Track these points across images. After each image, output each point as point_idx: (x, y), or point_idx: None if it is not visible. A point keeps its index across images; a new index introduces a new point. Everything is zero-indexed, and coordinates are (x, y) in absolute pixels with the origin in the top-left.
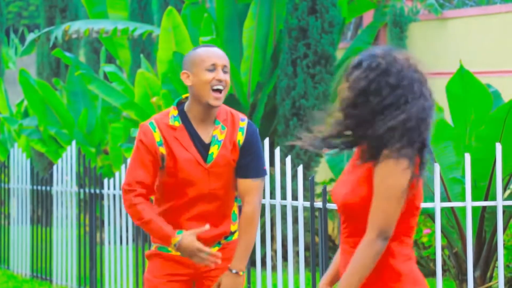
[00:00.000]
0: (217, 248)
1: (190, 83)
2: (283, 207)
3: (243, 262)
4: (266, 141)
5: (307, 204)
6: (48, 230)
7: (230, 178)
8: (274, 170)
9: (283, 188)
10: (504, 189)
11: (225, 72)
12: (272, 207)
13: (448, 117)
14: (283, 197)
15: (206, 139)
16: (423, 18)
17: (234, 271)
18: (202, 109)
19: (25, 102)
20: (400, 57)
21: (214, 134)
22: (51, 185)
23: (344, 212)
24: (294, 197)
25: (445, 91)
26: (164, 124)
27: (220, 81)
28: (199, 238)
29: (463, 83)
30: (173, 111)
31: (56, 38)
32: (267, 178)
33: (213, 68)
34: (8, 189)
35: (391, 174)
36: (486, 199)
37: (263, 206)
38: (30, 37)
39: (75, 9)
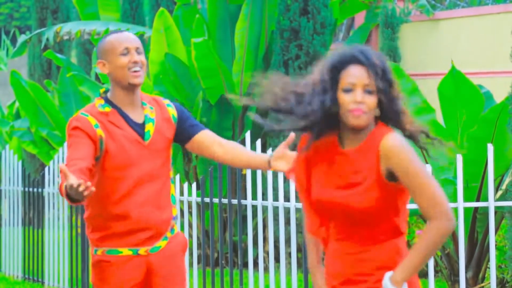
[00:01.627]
0: (165, 242)
1: (107, 71)
2: (275, 209)
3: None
4: (258, 142)
5: (299, 205)
6: (40, 232)
7: (168, 155)
8: (266, 171)
9: (275, 189)
10: (496, 190)
11: (139, 53)
12: (264, 208)
13: (440, 117)
14: (275, 198)
15: (138, 119)
16: (415, 19)
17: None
18: (126, 92)
19: (17, 104)
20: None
21: (146, 113)
22: (42, 187)
23: (350, 217)
24: (286, 199)
25: (437, 92)
26: (96, 112)
27: (136, 62)
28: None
29: (455, 84)
30: (98, 101)
31: (47, 39)
32: (259, 179)
33: (126, 52)
34: (0, 190)
35: (412, 156)
36: (478, 200)
37: (255, 208)
38: (21, 38)
39: (66, 10)
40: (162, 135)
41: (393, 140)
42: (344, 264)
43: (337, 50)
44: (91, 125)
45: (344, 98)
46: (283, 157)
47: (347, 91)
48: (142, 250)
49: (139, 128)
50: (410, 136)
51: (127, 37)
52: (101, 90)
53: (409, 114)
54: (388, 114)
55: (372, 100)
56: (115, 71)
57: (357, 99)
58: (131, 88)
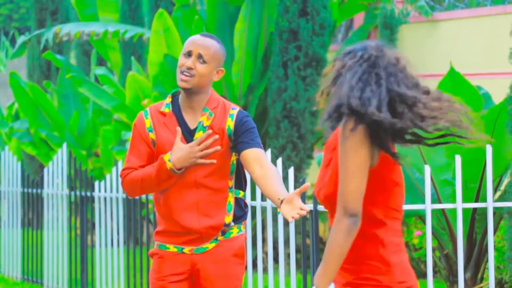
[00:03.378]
0: (213, 244)
1: None
2: (274, 209)
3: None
4: None
5: None
6: (39, 233)
7: (217, 166)
8: None
9: None
10: (495, 190)
11: (201, 61)
12: (263, 209)
13: None
14: None
15: (192, 125)
16: (414, 20)
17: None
18: (185, 94)
19: (16, 105)
20: (390, 53)
21: (201, 120)
22: (42, 188)
23: (327, 204)
24: None
25: None
26: (156, 111)
27: (189, 68)
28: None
29: (454, 85)
30: (168, 99)
31: (46, 40)
32: None
33: (188, 54)
34: None
35: (347, 149)
36: (476, 201)
37: (253, 209)
38: (20, 39)
39: (65, 11)
40: (211, 145)
41: (341, 125)
42: None
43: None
44: (144, 128)
45: None
46: (291, 202)
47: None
48: (186, 249)
49: (189, 135)
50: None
51: (200, 41)
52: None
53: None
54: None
55: None
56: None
57: None
58: (184, 91)
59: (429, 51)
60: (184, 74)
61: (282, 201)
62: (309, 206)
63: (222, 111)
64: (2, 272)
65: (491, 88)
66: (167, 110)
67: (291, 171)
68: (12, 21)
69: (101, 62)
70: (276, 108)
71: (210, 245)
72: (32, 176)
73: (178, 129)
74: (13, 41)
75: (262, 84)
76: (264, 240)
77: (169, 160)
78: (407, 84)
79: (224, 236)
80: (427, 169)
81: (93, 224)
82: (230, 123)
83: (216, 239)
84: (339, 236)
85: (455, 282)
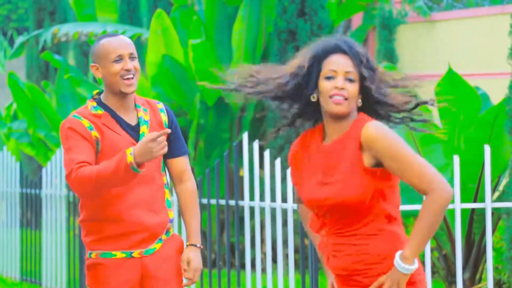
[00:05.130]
0: (160, 244)
1: (100, 75)
2: (273, 210)
3: (199, 236)
4: (256, 144)
5: (297, 206)
6: (38, 233)
7: (160, 160)
8: (264, 173)
9: (273, 190)
10: (493, 191)
11: (132, 59)
12: (262, 210)
13: (437, 119)
14: (273, 199)
15: (132, 122)
16: (412, 20)
17: (198, 245)
18: (119, 97)
19: (14, 105)
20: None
21: (140, 116)
22: (40, 188)
23: (338, 210)
24: (284, 200)
25: (434, 94)
26: (88, 114)
27: (128, 70)
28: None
29: (452, 85)
30: (91, 103)
31: (45, 41)
32: (256, 180)
33: (119, 58)
34: None
35: (394, 139)
36: (475, 201)
37: (252, 209)
38: (19, 40)
39: (64, 11)
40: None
41: (372, 128)
42: (344, 259)
43: (320, 40)
44: (84, 127)
45: (325, 85)
46: (189, 263)
47: (329, 78)
48: (136, 253)
49: (133, 131)
50: (400, 122)
51: (121, 42)
52: (94, 92)
53: (397, 99)
54: (372, 103)
55: (353, 88)
56: (107, 77)
57: (337, 85)
58: (123, 94)
59: (427, 52)
60: (128, 78)
61: (188, 245)
62: None
63: (150, 106)
64: (1, 273)
65: (490, 88)
66: (100, 111)
67: (289, 171)
68: (10, 21)
69: None
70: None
71: (157, 246)
72: (31, 177)
73: (167, 130)
74: (11, 42)
75: None
76: (262, 241)
77: (130, 154)
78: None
79: (166, 235)
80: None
81: None
82: (165, 118)
83: (161, 239)
84: (440, 211)
85: (454, 282)
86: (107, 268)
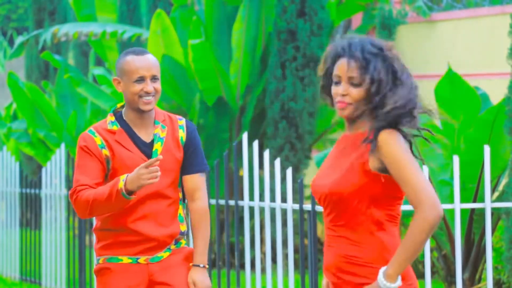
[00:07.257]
0: (168, 253)
1: (121, 89)
2: (272, 210)
3: (206, 256)
4: (256, 144)
5: (296, 206)
6: (37, 233)
7: (176, 176)
8: (263, 173)
9: (272, 190)
10: (493, 191)
11: (154, 80)
12: (261, 210)
13: (436, 119)
14: (272, 199)
15: (147, 139)
16: (412, 20)
17: (201, 265)
18: (137, 113)
19: (14, 105)
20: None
21: (156, 133)
22: (40, 188)
23: (330, 201)
24: (283, 200)
25: (434, 94)
26: (103, 130)
27: (148, 93)
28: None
29: (452, 85)
30: (110, 118)
31: (45, 41)
32: (256, 180)
33: (141, 79)
34: None
35: (402, 148)
36: (474, 201)
37: (252, 209)
38: (19, 40)
39: (63, 11)
40: (171, 155)
41: (386, 132)
42: (333, 257)
43: (335, 41)
44: (96, 145)
45: (333, 90)
46: (193, 283)
47: (336, 83)
48: (142, 259)
49: (147, 148)
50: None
51: (145, 63)
52: (118, 105)
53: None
54: (377, 106)
55: (356, 92)
56: (127, 94)
57: (339, 92)
58: (141, 111)
59: (427, 52)
60: (148, 99)
61: (191, 266)
62: (308, 206)
63: (170, 123)
64: (0, 272)
65: (489, 88)
66: (115, 127)
67: (289, 171)
68: (10, 21)
69: (99, 62)
70: (274, 109)
71: (164, 254)
72: (30, 177)
73: (159, 157)
74: (11, 42)
75: (260, 84)
76: (262, 241)
77: (123, 180)
78: None
79: (176, 245)
80: (425, 170)
81: (91, 224)
82: (183, 135)
83: (169, 249)
84: (427, 231)
85: (453, 282)
86: (113, 272)
